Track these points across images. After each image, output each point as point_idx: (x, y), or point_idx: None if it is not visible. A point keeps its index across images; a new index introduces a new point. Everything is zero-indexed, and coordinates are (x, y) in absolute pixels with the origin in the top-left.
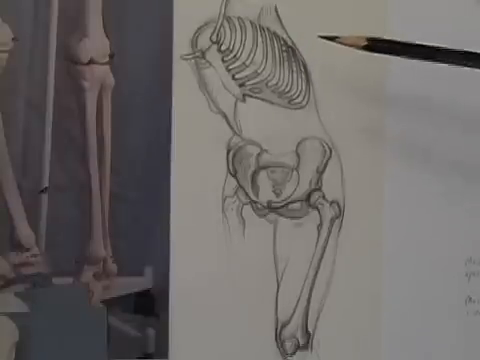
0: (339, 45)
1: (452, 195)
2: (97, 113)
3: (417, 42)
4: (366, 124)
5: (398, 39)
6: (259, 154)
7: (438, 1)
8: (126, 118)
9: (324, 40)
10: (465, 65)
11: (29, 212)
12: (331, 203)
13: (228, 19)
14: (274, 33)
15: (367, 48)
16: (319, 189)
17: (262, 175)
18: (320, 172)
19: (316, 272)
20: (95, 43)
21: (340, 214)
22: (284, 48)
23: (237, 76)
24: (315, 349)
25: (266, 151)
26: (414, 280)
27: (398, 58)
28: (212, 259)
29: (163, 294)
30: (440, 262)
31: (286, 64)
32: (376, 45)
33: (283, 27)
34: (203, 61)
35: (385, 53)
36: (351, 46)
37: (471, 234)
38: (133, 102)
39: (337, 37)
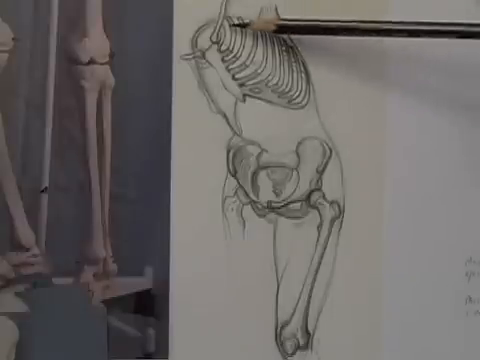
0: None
1: (453, 195)
2: (97, 113)
3: (333, 18)
4: (366, 124)
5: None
6: (259, 154)
7: (438, 2)
8: (126, 118)
9: (236, 27)
10: (384, 35)
11: (29, 212)
12: (331, 203)
13: (228, 19)
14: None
15: (278, 31)
16: (319, 189)
17: (262, 175)
18: (320, 172)
19: (316, 272)
20: (95, 43)
21: (340, 214)
22: (284, 48)
23: (237, 76)
24: (315, 349)
25: (266, 151)
26: (414, 280)
27: (398, 57)
28: (212, 259)
29: (163, 294)
30: (440, 262)
31: (286, 64)
32: (286, 27)
33: None
34: (203, 61)
35: (297, 34)
36: (262, 30)
37: (471, 234)
38: (133, 102)
39: (247, 24)
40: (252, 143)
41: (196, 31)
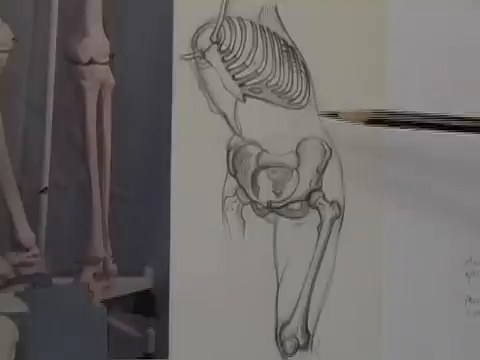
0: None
1: (452, 195)
2: (97, 113)
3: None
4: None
5: (398, 37)
6: (259, 154)
7: (436, 3)
8: (126, 118)
9: (326, 116)
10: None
11: (29, 212)
12: (331, 203)
13: (228, 19)
14: (274, 33)
15: (370, 122)
16: (319, 189)
17: (262, 175)
18: (320, 172)
19: (316, 272)
20: (95, 43)
21: (340, 214)
22: (284, 48)
23: (237, 76)
24: (315, 349)
25: (266, 151)
26: (414, 280)
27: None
28: (212, 259)
29: (163, 294)
30: (440, 262)
31: (286, 64)
32: (378, 120)
33: (283, 27)
34: (203, 61)
35: (389, 126)
36: (354, 122)
37: (471, 234)
38: (133, 102)
39: (337, 114)
40: (252, 143)
41: (196, 31)
